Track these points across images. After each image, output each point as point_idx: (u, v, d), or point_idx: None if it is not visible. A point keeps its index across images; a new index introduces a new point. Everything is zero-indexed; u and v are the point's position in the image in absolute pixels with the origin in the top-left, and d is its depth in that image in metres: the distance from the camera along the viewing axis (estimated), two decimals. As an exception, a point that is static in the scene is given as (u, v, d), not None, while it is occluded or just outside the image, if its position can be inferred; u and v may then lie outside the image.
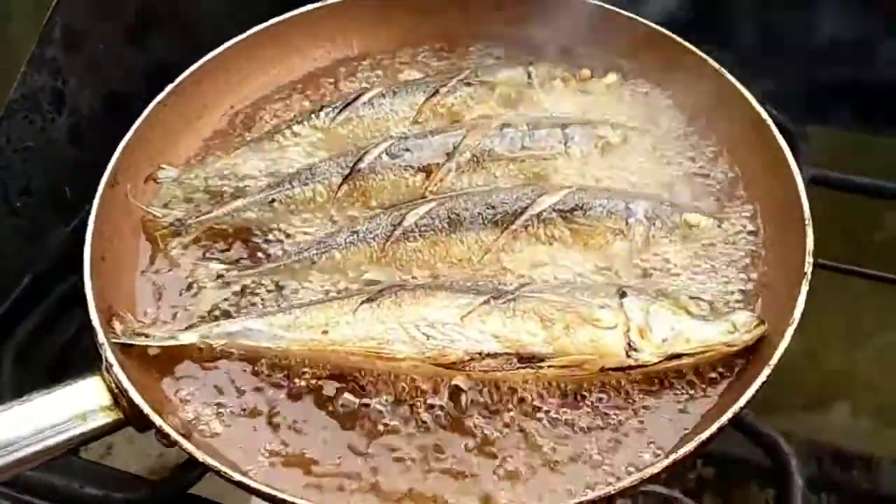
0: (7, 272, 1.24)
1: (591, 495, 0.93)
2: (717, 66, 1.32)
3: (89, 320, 1.04)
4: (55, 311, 1.24)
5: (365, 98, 1.34)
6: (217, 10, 1.47)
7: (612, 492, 0.92)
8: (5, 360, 1.18)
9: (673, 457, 0.93)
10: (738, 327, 1.03)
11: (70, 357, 1.25)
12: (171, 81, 1.29)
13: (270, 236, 1.21)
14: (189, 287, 1.16)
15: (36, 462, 0.94)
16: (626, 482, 0.93)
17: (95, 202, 1.14)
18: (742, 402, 0.95)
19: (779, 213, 1.16)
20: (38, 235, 1.26)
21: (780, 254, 1.12)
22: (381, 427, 1.02)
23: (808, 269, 1.03)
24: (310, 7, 1.43)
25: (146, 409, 0.95)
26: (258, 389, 1.06)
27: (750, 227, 1.18)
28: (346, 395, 1.04)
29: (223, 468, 0.92)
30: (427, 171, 1.24)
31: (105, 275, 1.11)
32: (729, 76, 1.30)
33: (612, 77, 1.40)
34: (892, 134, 1.61)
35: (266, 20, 1.39)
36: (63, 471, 1.09)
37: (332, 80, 1.44)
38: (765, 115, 1.24)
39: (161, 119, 1.28)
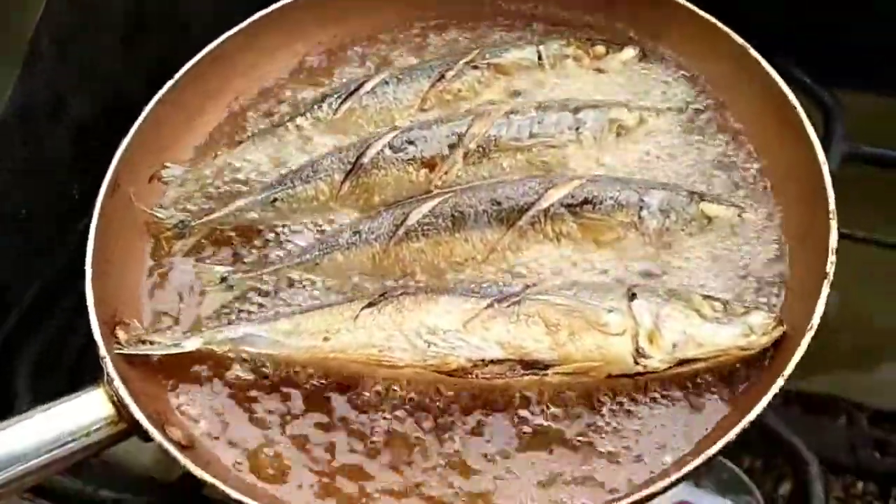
0: (17, 283, 1.25)
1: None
2: (741, 41, 1.23)
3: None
4: (68, 320, 1.25)
5: (368, 87, 1.29)
6: (211, 4, 1.43)
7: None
8: (20, 373, 1.19)
9: (686, 469, 0.90)
10: (755, 329, 0.98)
11: (87, 364, 1.25)
12: (170, 79, 1.26)
13: (274, 236, 1.19)
14: (193, 291, 1.15)
15: (41, 476, 0.95)
16: (638, 496, 0.90)
17: (97, 208, 1.14)
18: (758, 409, 0.91)
19: (803, 205, 1.09)
20: (47, 245, 1.27)
21: (803, 249, 1.05)
22: (387, 435, 1.00)
23: (830, 269, 0.97)
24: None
25: (145, 423, 0.96)
26: (263, 397, 1.05)
27: (771, 219, 1.12)
28: (351, 404, 1.03)
29: (221, 485, 0.92)
30: (431, 164, 1.19)
31: (109, 282, 1.11)
32: (755, 54, 1.21)
33: (628, 52, 1.32)
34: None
35: (264, 7, 1.35)
36: (76, 473, 1.11)
37: (337, 66, 1.40)
38: (790, 95, 1.16)
39: (162, 117, 1.26)
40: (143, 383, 1.04)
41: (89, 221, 1.13)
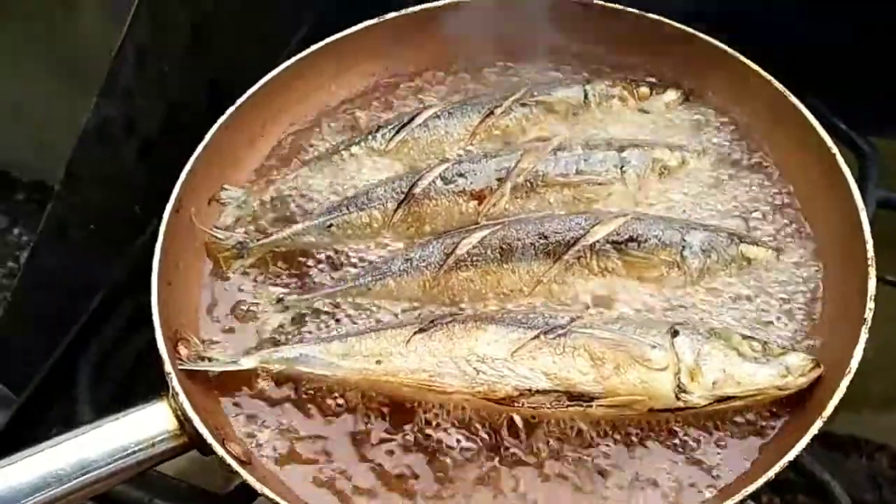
0: (82, 290, 1.31)
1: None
2: (779, 86, 1.28)
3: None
4: (124, 331, 1.30)
5: (420, 119, 1.35)
6: (267, 20, 1.49)
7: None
8: (81, 375, 1.25)
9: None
10: (792, 371, 1.02)
11: (141, 371, 1.31)
12: (229, 96, 1.32)
13: (328, 260, 1.25)
14: (250, 311, 1.20)
15: (107, 485, 1.00)
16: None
17: (161, 229, 1.19)
18: (798, 449, 0.94)
19: (840, 249, 1.13)
20: (111, 253, 1.32)
21: (841, 293, 1.09)
22: (445, 458, 1.04)
23: (869, 315, 1.01)
24: (366, 24, 1.44)
25: (209, 438, 1.00)
26: (317, 417, 1.10)
27: (809, 262, 1.16)
28: (406, 427, 1.07)
29: (280, 500, 0.96)
30: (480, 196, 1.24)
31: (171, 300, 1.16)
32: (792, 98, 1.26)
33: (671, 94, 1.37)
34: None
35: (315, 34, 1.40)
36: (131, 483, 1.15)
37: (390, 98, 1.45)
38: (829, 141, 1.20)
39: (222, 141, 1.31)
40: (202, 398, 1.09)
41: (148, 237, 1.19)
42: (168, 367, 1.07)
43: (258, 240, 1.25)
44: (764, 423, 1.03)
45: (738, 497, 0.93)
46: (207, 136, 1.29)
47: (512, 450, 1.04)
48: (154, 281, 1.14)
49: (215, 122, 1.29)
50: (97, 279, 1.32)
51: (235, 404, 1.12)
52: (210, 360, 1.12)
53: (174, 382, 1.05)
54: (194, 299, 1.21)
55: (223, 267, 1.25)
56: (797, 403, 1.03)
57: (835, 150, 1.19)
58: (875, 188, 1.36)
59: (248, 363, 1.12)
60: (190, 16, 1.35)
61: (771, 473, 0.93)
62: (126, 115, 1.29)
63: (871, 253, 1.07)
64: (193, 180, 1.26)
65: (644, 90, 1.37)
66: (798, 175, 1.25)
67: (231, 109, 1.33)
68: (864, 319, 1.01)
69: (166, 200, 1.20)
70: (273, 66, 1.36)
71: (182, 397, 1.03)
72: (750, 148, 1.31)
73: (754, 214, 1.23)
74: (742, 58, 1.32)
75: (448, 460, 1.04)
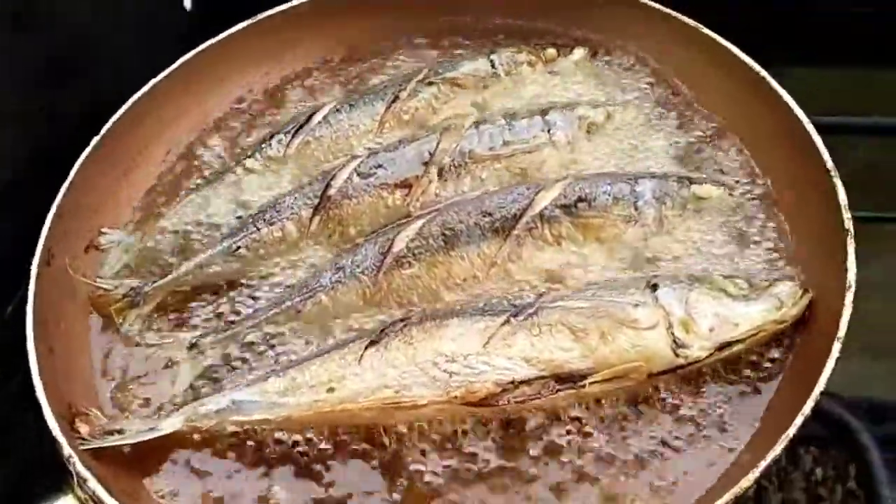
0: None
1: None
2: (685, 19, 1.22)
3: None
4: (13, 407, 1.05)
5: (319, 117, 1.20)
6: (131, 45, 1.30)
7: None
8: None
9: (759, 469, 0.81)
10: (784, 301, 0.93)
11: (41, 460, 1.06)
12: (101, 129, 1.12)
13: (243, 290, 1.06)
14: (159, 364, 1.00)
15: None
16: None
17: (31, 285, 0.98)
18: (821, 385, 0.84)
19: (793, 169, 1.06)
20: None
21: (809, 213, 1.02)
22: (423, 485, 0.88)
23: (850, 224, 0.93)
24: (238, 27, 1.28)
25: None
26: (263, 471, 0.91)
27: (762, 191, 1.08)
28: (372, 459, 0.90)
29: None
30: (405, 185, 1.10)
31: (57, 369, 0.95)
32: (705, 30, 1.20)
33: (579, 52, 1.29)
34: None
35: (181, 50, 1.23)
36: None
37: (277, 102, 1.29)
38: (754, 64, 1.15)
39: (92, 175, 1.12)
40: (119, 480, 0.88)
41: (21, 296, 0.97)
42: (67, 449, 0.85)
43: (153, 282, 1.05)
44: (782, 362, 0.92)
45: (782, 443, 0.81)
46: (72, 173, 1.09)
47: (512, 464, 0.88)
48: (31, 349, 0.92)
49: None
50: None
51: (164, 478, 0.91)
52: (120, 432, 0.91)
53: (78, 467, 0.84)
54: (86, 365, 1.00)
55: (117, 320, 1.04)
56: (798, 336, 0.94)
57: (759, 69, 1.14)
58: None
59: (169, 426, 0.92)
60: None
61: (798, 422, 0.82)
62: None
63: (830, 163, 1.00)
64: (62, 225, 1.06)
65: (551, 52, 1.28)
66: (729, 106, 1.18)
67: (95, 140, 1.14)
68: (848, 231, 0.93)
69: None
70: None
71: (92, 483, 0.82)
72: (670, 90, 1.24)
73: (693, 151, 1.15)
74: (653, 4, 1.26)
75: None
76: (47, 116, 1.15)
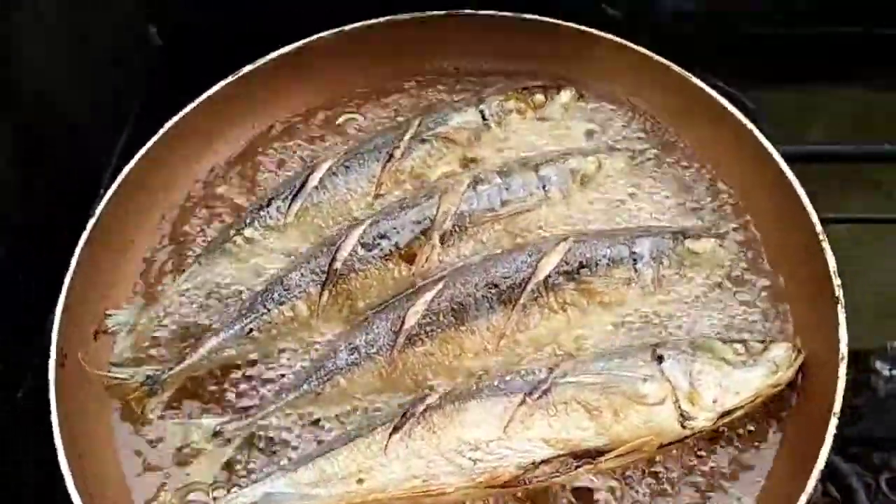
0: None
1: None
2: (663, 60, 1.25)
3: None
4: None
5: (314, 181, 1.19)
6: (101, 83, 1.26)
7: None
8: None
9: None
10: (780, 365, 1.00)
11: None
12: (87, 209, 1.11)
13: (260, 371, 1.08)
14: (185, 454, 1.02)
15: None
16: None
17: (51, 394, 0.98)
18: (822, 458, 0.91)
19: (776, 212, 1.12)
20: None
21: (797, 263, 1.08)
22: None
23: (839, 292, 1.00)
24: (219, 86, 1.25)
25: None
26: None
27: (747, 238, 1.14)
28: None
29: None
30: (410, 255, 1.12)
31: (90, 474, 0.96)
32: (679, 69, 1.23)
33: (566, 95, 1.31)
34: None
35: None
36: None
37: (261, 162, 1.28)
38: (734, 110, 1.19)
39: (91, 260, 1.11)
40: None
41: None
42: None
43: (169, 369, 1.06)
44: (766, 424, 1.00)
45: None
46: (72, 264, 1.08)
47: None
48: (63, 462, 0.93)
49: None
50: None
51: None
52: (155, 531, 0.94)
53: (129, 583, 0.87)
54: (115, 461, 1.02)
55: (136, 410, 1.05)
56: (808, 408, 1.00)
57: (744, 119, 1.18)
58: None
59: (204, 521, 0.95)
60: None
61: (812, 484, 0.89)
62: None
63: (816, 219, 1.06)
64: (71, 318, 1.05)
65: (539, 97, 1.29)
66: (710, 147, 1.22)
67: (90, 224, 1.12)
68: (838, 299, 0.99)
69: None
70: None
71: None
72: (656, 131, 1.28)
73: (685, 200, 1.20)
74: (619, 39, 1.27)
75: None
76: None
